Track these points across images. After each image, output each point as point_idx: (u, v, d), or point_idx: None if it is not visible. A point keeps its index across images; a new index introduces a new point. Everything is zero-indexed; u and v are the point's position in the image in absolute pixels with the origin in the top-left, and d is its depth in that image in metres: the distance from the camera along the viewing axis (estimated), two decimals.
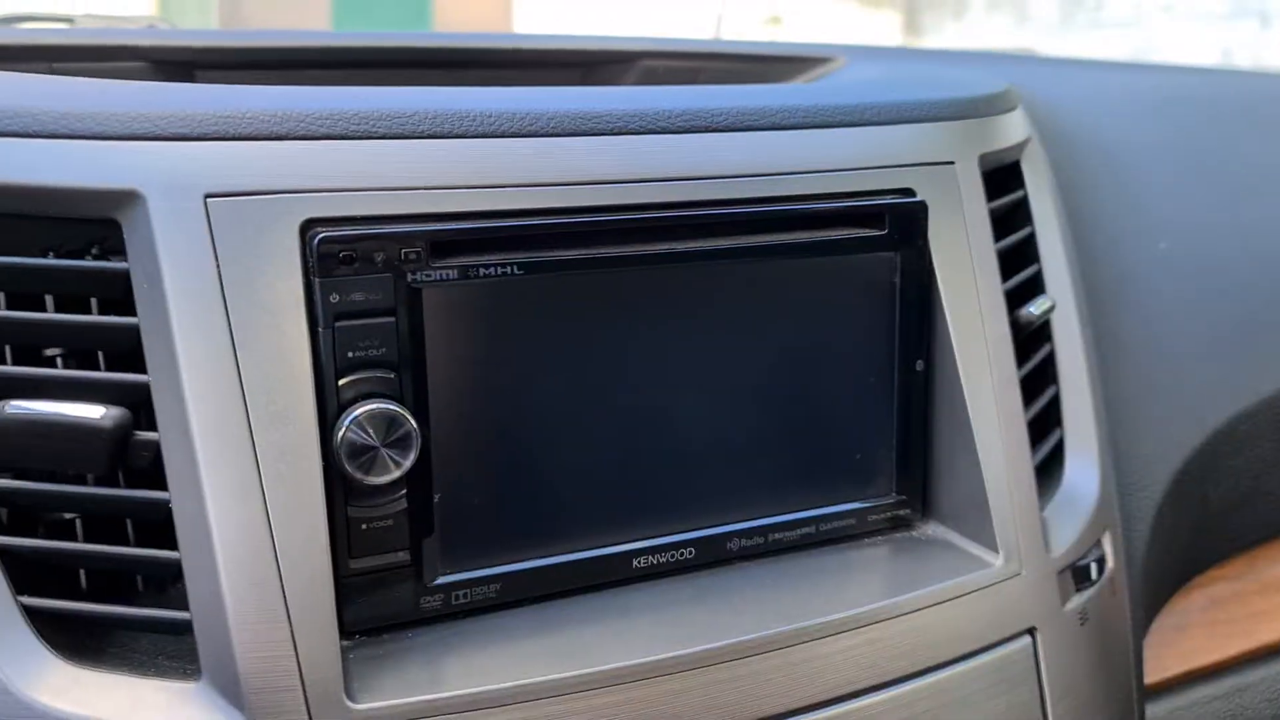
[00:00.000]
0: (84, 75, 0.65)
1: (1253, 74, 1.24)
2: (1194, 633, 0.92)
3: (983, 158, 0.74)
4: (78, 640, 0.55)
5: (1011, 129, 0.81)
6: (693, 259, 0.63)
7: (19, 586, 0.53)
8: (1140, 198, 0.98)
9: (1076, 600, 0.73)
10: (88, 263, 0.57)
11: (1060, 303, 0.80)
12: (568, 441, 0.62)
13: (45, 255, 0.57)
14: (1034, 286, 0.80)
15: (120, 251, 0.57)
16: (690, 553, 0.66)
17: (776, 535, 0.68)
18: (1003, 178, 0.80)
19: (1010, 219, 0.81)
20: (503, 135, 0.60)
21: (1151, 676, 0.87)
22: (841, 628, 0.63)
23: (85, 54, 0.91)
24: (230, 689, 0.52)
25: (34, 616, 0.53)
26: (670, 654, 0.59)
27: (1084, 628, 0.73)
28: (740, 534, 0.67)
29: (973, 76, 0.85)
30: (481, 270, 0.58)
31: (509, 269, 0.59)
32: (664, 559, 0.65)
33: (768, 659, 0.61)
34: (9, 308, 0.57)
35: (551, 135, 0.61)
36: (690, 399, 0.65)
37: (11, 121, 0.55)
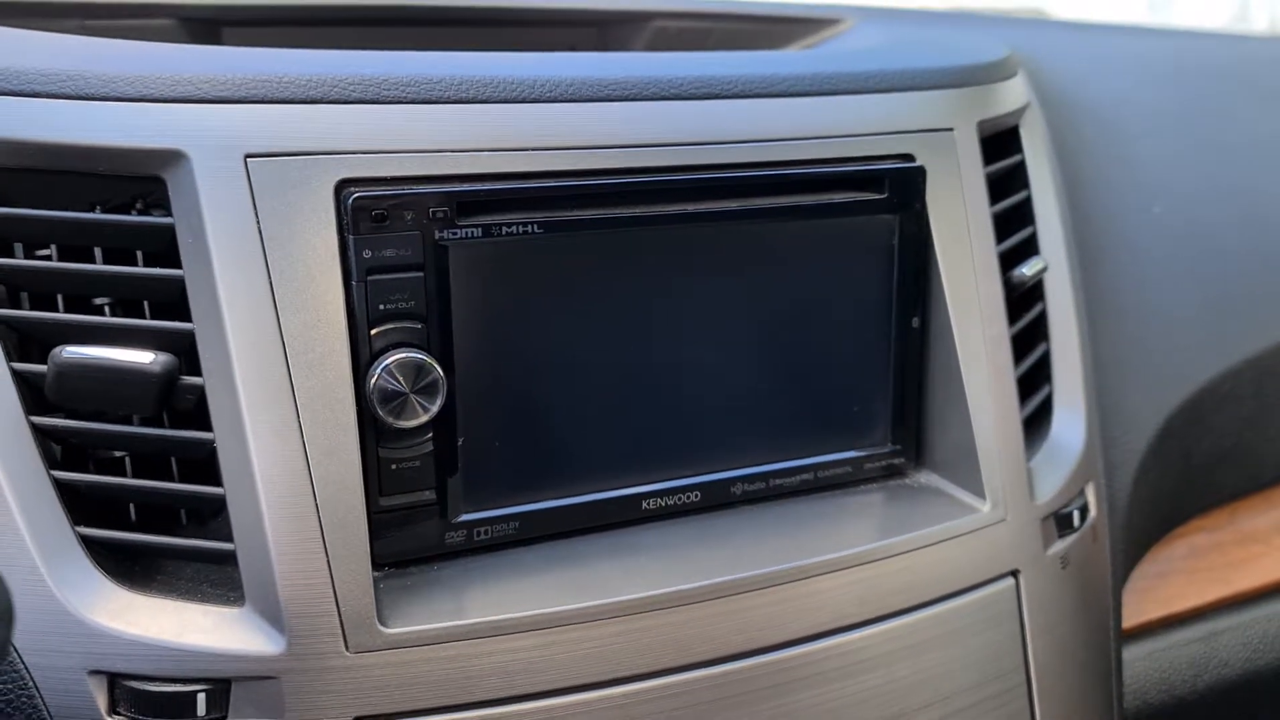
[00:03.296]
0: (115, 32, 0.67)
1: (1256, 39, 1.25)
2: (1174, 579, 0.96)
3: (981, 124, 0.77)
4: (128, 569, 0.60)
5: (1011, 95, 0.83)
6: (701, 220, 0.67)
7: (74, 518, 0.58)
8: (1137, 162, 1.00)
9: (1058, 546, 0.77)
10: (136, 217, 0.60)
11: (1053, 264, 0.83)
12: (583, 390, 0.66)
13: (92, 210, 0.61)
14: (1028, 248, 0.83)
15: (161, 206, 0.60)
16: (696, 496, 0.70)
17: (777, 481, 0.72)
18: (1001, 142, 0.83)
19: (1007, 182, 0.83)
20: (524, 100, 0.64)
21: (1132, 620, 0.91)
22: (836, 566, 0.67)
23: (115, 11, 0.93)
24: (271, 614, 0.57)
25: (89, 546, 0.58)
26: (676, 588, 0.63)
27: (1065, 571, 0.77)
28: (743, 479, 0.71)
29: (975, 43, 0.87)
30: (504, 229, 0.62)
31: (529, 228, 0.62)
32: (671, 501, 0.69)
33: (767, 594, 0.65)
34: (60, 260, 0.61)
35: (570, 101, 0.65)
36: (698, 352, 0.68)
37: (65, 84, 0.58)
